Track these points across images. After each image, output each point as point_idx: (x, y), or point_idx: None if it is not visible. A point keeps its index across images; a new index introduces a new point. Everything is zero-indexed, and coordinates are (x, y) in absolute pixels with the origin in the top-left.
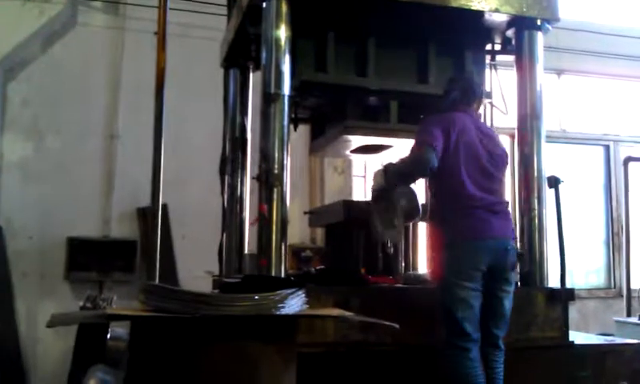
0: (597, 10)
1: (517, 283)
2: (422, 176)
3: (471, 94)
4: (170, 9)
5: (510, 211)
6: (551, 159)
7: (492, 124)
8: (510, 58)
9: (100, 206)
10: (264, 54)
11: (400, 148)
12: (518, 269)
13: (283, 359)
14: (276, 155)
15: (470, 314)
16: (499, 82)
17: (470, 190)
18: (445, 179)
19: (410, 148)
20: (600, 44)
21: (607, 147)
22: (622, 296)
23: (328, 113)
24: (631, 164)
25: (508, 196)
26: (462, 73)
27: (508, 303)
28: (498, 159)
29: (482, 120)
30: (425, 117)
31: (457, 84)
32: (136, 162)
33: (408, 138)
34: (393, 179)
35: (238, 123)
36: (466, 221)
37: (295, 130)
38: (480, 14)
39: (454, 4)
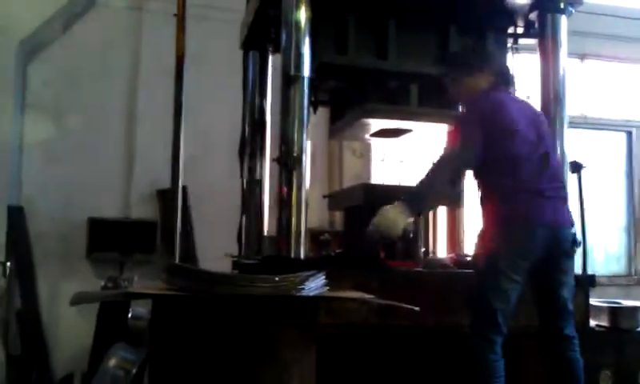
0: None
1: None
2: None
3: (509, 78)
4: None
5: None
6: (573, 145)
7: None
8: (532, 41)
9: (120, 187)
10: (284, 36)
11: (420, 131)
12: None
13: (303, 340)
14: (295, 138)
15: (507, 308)
16: (521, 65)
17: (523, 173)
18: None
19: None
20: (624, 28)
21: (630, 133)
22: None
23: (347, 96)
24: None
25: None
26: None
27: (567, 293)
28: (548, 139)
29: None
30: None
31: (488, 66)
32: (156, 143)
33: (428, 121)
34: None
35: (257, 106)
36: (520, 204)
37: (315, 112)
38: None
39: None
